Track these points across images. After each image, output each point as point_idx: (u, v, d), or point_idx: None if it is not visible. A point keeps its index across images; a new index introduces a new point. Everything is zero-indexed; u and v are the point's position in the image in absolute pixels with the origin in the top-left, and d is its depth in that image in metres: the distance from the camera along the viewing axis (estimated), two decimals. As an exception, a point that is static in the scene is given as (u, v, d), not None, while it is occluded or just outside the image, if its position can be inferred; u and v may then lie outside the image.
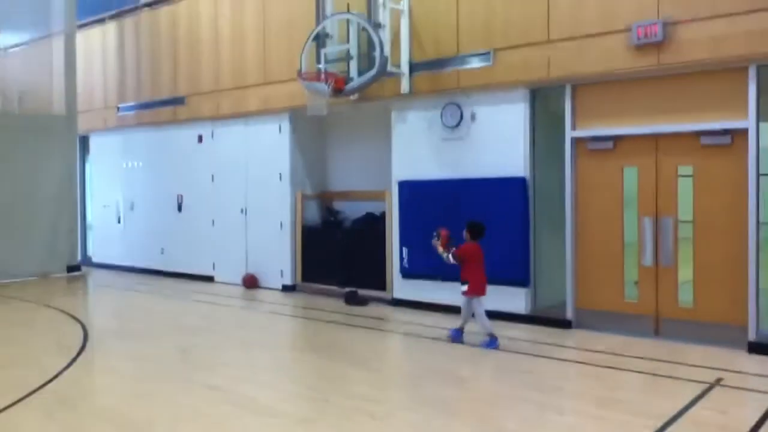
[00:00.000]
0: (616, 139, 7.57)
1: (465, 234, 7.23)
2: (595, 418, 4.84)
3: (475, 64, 8.46)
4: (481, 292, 7.05)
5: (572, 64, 7.63)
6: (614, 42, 7.33)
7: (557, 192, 8.04)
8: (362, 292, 9.75)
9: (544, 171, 8.30)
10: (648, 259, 7.37)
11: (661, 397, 5.37)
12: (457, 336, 7.23)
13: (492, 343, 6.95)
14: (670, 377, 5.89)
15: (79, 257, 13.99)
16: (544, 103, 8.34)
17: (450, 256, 7.09)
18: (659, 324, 7.33)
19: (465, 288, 7.05)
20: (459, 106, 8.68)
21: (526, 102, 8.17)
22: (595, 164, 7.75)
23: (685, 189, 7.19)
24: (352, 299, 9.61)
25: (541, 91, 8.21)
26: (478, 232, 7.19)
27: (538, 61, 7.89)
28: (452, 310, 8.50)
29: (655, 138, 7.33)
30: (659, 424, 4.68)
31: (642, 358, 6.51)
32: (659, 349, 6.80)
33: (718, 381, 5.72)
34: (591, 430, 4.61)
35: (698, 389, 5.48)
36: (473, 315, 7.11)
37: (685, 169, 7.20)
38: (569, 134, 7.84)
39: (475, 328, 7.14)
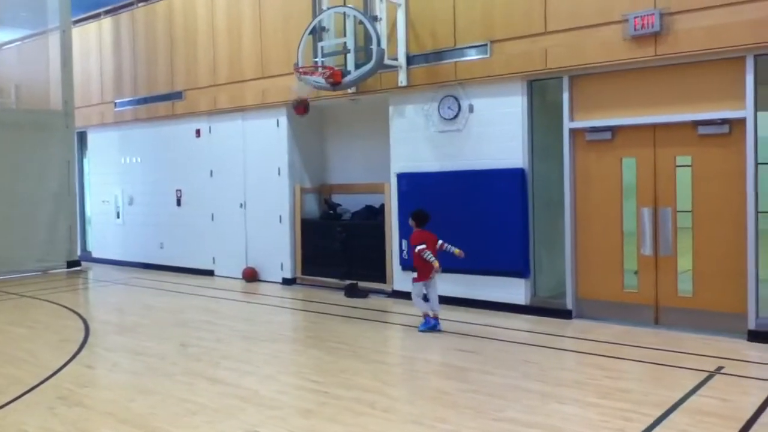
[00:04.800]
0: (615, 129, 7.58)
1: (411, 223, 7.57)
2: (596, 407, 4.87)
3: (473, 56, 8.47)
4: (428, 277, 7.36)
5: (570, 56, 7.64)
6: (611, 33, 7.34)
7: (556, 183, 8.05)
8: (362, 284, 9.77)
9: (542, 162, 8.30)
10: (647, 249, 7.39)
11: (661, 385, 5.40)
12: (435, 324, 7.42)
13: (427, 323, 7.39)
14: (670, 366, 5.92)
15: (78, 252, 14.00)
16: (542, 95, 8.34)
17: (420, 250, 7.26)
18: (659, 313, 7.35)
19: (415, 275, 7.45)
20: (457, 98, 8.68)
21: (524, 93, 8.16)
22: (593, 155, 7.75)
23: (683, 179, 7.20)
24: (352, 292, 9.64)
25: (538, 82, 8.21)
26: (423, 219, 7.53)
27: (535, 53, 7.89)
28: (452, 301, 8.56)
29: (653, 128, 7.33)
30: (660, 412, 4.71)
31: (642, 347, 6.54)
32: (659, 338, 6.84)
33: (719, 369, 5.75)
34: (592, 419, 4.64)
35: (699, 377, 5.51)
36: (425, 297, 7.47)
37: (684, 159, 7.21)
38: (567, 125, 7.84)
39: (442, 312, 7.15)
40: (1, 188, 12.45)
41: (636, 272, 7.55)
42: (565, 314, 7.85)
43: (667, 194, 7.29)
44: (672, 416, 4.67)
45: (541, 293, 8.29)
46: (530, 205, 8.22)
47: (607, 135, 7.62)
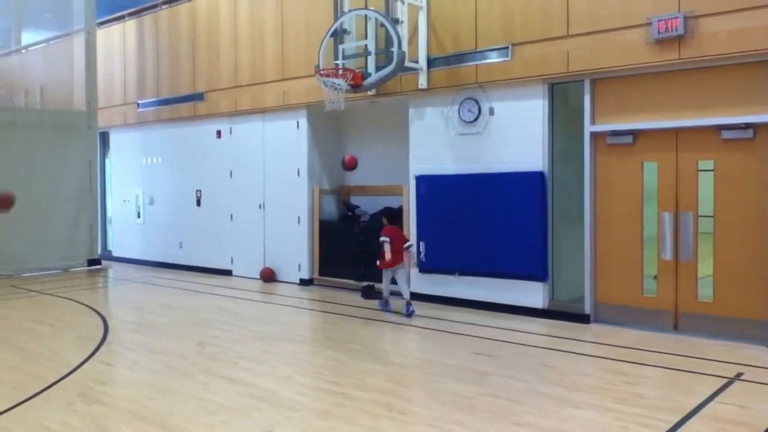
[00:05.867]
0: (636, 133, 7.52)
1: (383, 220, 8.71)
2: (613, 413, 4.83)
3: (494, 58, 8.45)
4: (391, 265, 8.40)
5: (591, 59, 7.59)
6: (634, 36, 7.29)
7: (576, 186, 8.01)
8: (379, 286, 9.75)
9: (562, 166, 8.26)
10: (667, 254, 7.32)
11: (680, 391, 5.34)
12: (407, 309, 8.36)
13: (386, 305, 8.62)
14: (689, 372, 5.86)
15: (99, 251, 14.16)
16: (563, 98, 8.30)
17: (382, 241, 8.39)
18: (678, 319, 7.28)
19: (378, 262, 8.49)
20: (477, 101, 8.66)
21: (545, 97, 8.13)
22: (614, 159, 7.70)
23: (705, 184, 7.13)
24: (369, 293, 9.64)
25: (560, 85, 8.17)
26: (394, 217, 8.83)
27: (557, 56, 7.85)
28: (470, 304, 8.56)
29: (676, 132, 7.27)
30: (678, 418, 4.66)
31: (661, 352, 6.48)
32: (678, 344, 6.77)
33: (738, 376, 5.68)
34: (610, 425, 4.60)
35: (717, 384, 5.45)
36: (394, 283, 8.55)
37: (706, 164, 7.13)
38: (588, 129, 7.80)
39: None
40: (25, 187, 12.57)
41: (655, 277, 7.48)
42: (583, 318, 7.80)
43: (688, 199, 7.21)
44: (690, 422, 4.62)
45: (560, 297, 8.24)
46: (549, 208, 8.17)
47: (629, 139, 7.56)
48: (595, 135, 7.79)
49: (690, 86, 7.14)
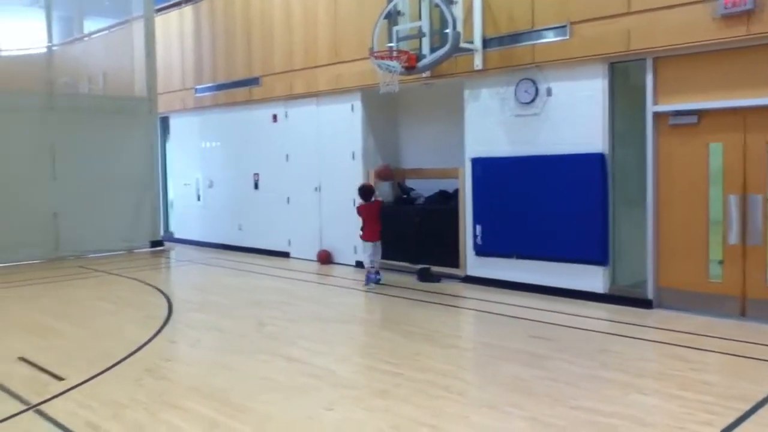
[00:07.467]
0: (701, 113, 7.27)
1: (359, 197, 9.69)
2: (678, 399, 4.72)
3: (551, 38, 8.27)
4: (368, 239, 9.45)
5: (654, 37, 7.35)
6: (699, 12, 7.01)
7: (637, 168, 7.80)
8: (435, 269, 9.77)
9: (623, 147, 8.06)
10: (734, 238, 7.08)
11: (747, 380, 5.17)
12: (372, 278, 9.32)
13: (371, 277, 9.32)
14: (757, 359, 5.68)
15: (161, 233, 14.57)
16: (624, 77, 8.07)
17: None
18: (746, 305, 7.05)
19: (360, 233, 9.56)
20: (534, 82, 8.51)
21: (605, 76, 7.92)
22: (677, 140, 7.47)
23: (775, 165, 6.86)
24: (425, 276, 9.65)
25: (620, 64, 7.94)
26: (365, 193, 9.62)
27: (617, 34, 7.64)
28: (527, 288, 8.47)
29: (743, 112, 6.99)
30: (746, 407, 4.53)
31: (727, 339, 6.30)
32: (745, 331, 6.56)
33: (810, 365, 5.48)
34: (675, 411, 4.50)
35: (788, 373, 5.28)
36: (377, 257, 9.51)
37: (776, 144, 6.86)
38: (650, 109, 7.57)
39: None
40: (90, 171, 13.05)
41: (721, 262, 7.24)
42: (645, 304, 7.63)
43: (757, 181, 6.94)
44: (759, 412, 4.47)
45: (621, 282, 8.07)
46: (610, 191, 8.00)
47: (693, 119, 7.32)
48: (657, 115, 7.56)
49: (759, 63, 6.83)
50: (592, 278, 8.04)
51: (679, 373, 5.33)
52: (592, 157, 7.94)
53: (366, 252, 9.57)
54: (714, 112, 7.18)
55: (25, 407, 4.81)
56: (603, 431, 4.20)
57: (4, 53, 14.44)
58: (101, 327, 7.36)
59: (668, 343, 6.29)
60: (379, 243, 9.50)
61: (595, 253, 7.98)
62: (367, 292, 9.09)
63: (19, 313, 8.16)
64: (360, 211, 9.61)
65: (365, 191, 9.64)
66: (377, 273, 9.43)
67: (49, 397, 5.01)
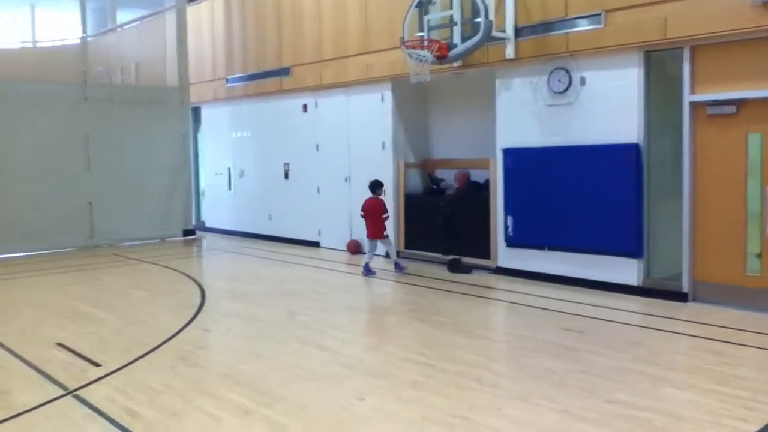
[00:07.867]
0: (740, 103, 7.11)
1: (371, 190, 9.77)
2: (713, 394, 4.65)
3: (585, 26, 8.15)
4: (370, 236, 9.66)
5: (691, 25, 7.19)
6: (739, -1, 6.85)
7: (673, 159, 7.67)
8: (465, 260, 9.74)
9: (658, 137, 7.92)
10: (773, 231, 6.93)
11: (786, 375, 5.08)
12: (367, 271, 9.42)
13: (367, 271, 9.42)
14: (796, 355, 5.57)
15: (193, 222, 14.74)
16: (660, 66, 7.92)
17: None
18: (784, 299, 6.91)
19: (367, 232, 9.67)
20: (567, 71, 8.40)
21: (640, 65, 7.78)
22: (715, 130, 7.32)
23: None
24: (456, 267, 9.62)
25: (656, 53, 7.80)
26: (372, 187, 9.70)
27: (653, 22, 7.49)
28: (560, 280, 8.40)
29: (785, 101, 6.83)
30: (785, 403, 4.45)
31: (764, 334, 6.17)
32: (783, 326, 6.43)
33: None
34: (711, 406, 4.43)
35: (828, 369, 5.16)
36: (386, 254, 9.99)
37: (818, 135, 6.68)
38: (687, 98, 7.42)
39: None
40: (123, 161, 13.24)
41: (759, 255, 7.10)
42: (680, 297, 7.51)
43: (797, 172, 6.78)
44: (799, 408, 4.39)
45: (655, 274, 7.95)
46: (645, 182, 7.87)
47: (732, 109, 7.16)
48: (694, 105, 7.41)
49: (802, 51, 6.68)
50: (626, 270, 7.94)
51: (712, 367, 5.24)
52: (627, 148, 7.82)
53: (381, 249, 9.87)
54: (753, 101, 7.02)
55: (63, 392, 4.92)
56: (637, 425, 4.16)
57: (39, 44, 14.69)
58: (136, 314, 7.48)
59: (702, 337, 6.19)
60: (387, 240, 9.80)
61: (630, 245, 7.88)
62: (394, 280, 9.15)
63: (56, 300, 8.33)
64: (364, 205, 9.73)
65: (372, 185, 9.77)
66: (397, 265, 9.70)
67: (86, 382, 5.11)
